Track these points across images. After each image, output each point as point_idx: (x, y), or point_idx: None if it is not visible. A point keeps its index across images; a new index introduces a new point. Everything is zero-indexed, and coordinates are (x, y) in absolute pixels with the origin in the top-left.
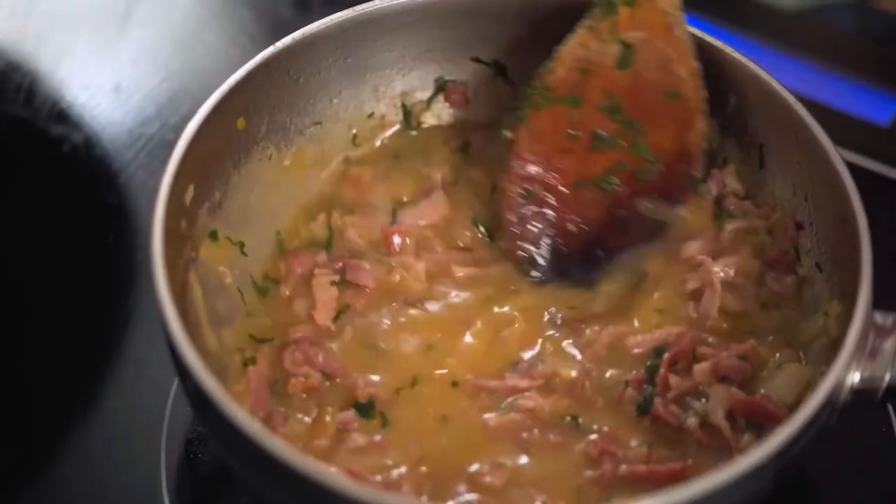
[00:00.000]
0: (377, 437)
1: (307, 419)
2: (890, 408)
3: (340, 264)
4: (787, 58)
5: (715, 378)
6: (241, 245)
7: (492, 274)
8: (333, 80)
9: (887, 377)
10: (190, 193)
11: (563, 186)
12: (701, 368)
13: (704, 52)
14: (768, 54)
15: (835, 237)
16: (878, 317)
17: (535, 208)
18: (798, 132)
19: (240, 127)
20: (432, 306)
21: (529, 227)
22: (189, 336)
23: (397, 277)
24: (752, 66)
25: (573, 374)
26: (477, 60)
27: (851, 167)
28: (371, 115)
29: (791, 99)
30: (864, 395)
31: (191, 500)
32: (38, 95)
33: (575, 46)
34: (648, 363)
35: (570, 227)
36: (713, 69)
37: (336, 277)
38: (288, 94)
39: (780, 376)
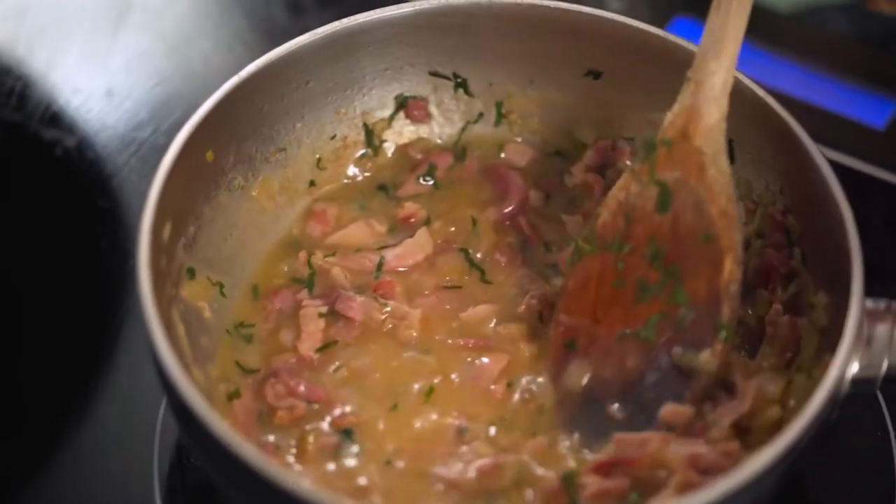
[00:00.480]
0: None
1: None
2: (886, 410)
3: (335, 296)
4: (782, 60)
5: (693, 472)
6: (221, 286)
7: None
8: (296, 105)
9: (885, 364)
10: (167, 230)
11: (607, 337)
12: (679, 457)
13: (666, 50)
14: (764, 57)
15: (815, 228)
16: (870, 303)
17: (577, 358)
18: (770, 125)
19: (209, 159)
20: (423, 351)
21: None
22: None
23: (390, 325)
24: None
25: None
26: (436, 74)
27: (847, 170)
28: (333, 137)
29: (760, 92)
30: (863, 385)
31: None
32: (31, 99)
33: (617, 191)
34: (564, 473)
35: (608, 378)
36: (676, 66)
37: (324, 309)
38: (253, 122)
39: None
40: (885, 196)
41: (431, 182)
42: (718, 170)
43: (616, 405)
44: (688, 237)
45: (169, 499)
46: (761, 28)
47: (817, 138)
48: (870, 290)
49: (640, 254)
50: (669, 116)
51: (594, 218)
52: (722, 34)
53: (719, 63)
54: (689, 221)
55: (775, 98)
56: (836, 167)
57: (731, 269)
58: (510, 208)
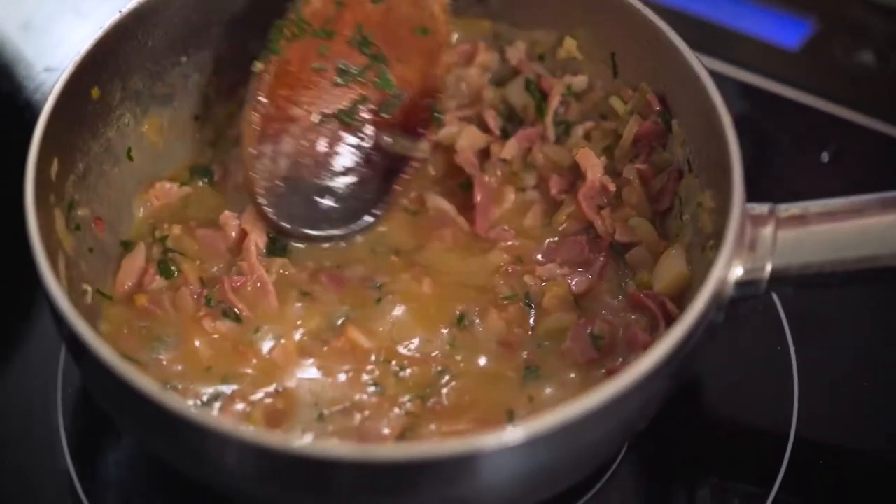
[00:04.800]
0: None
1: None
2: (785, 322)
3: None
4: None
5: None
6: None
7: None
8: (181, 40)
9: (769, 266)
10: (55, 167)
11: (308, 121)
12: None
13: None
14: None
15: (700, 136)
16: (754, 207)
17: (278, 146)
18: (649, 36)
19: (94, 96)
20: None
21: (272, 165)
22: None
23: None
24: None
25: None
26: None
27: (761, 92)
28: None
29: (637, 4)
30: (747, 287)
31: (82, 427)
32: None
33: None
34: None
35: (313, 165)
36: None
37: None
38: (138, 58)
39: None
40: (798, 116)
41: None
42: None
43: (322, 193)
44: (400, 27)
45: (72, 420)
46: None
47: (731, 60)
48: None
49: (346, 40)
50: None
51: (302, 3)
52: None
53: None
54: (405, 13)
55: (688, 21)
56: (751, 89)
57: (448, 62)
58: None
